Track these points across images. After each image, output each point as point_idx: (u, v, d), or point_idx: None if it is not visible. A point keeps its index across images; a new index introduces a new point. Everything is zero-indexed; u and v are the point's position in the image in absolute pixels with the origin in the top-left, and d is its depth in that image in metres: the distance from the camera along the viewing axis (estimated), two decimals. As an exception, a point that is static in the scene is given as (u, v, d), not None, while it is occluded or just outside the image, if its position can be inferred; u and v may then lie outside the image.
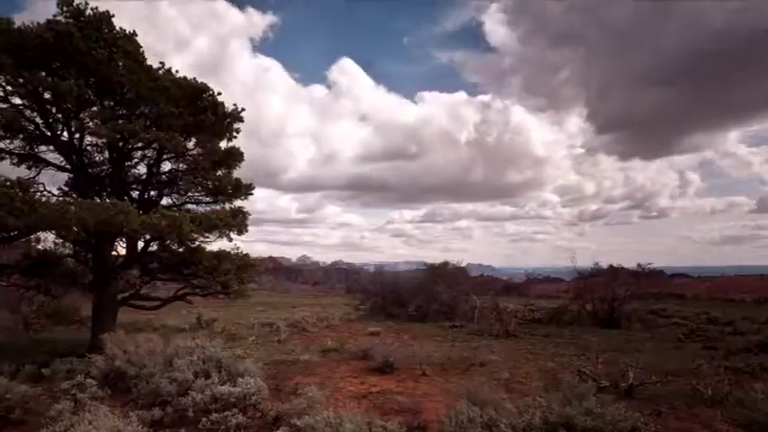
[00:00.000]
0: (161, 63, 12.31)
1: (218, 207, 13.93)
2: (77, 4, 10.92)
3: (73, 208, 9.86)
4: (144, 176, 13.76)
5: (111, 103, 12.26)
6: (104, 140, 12.21)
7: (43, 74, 11.05)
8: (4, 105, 11.11)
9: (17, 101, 11.29)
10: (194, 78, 12.62)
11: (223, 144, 13.86)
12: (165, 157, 13.33)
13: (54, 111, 11.65)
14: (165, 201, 14.17)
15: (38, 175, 12.37)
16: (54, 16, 10.81)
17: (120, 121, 11.45)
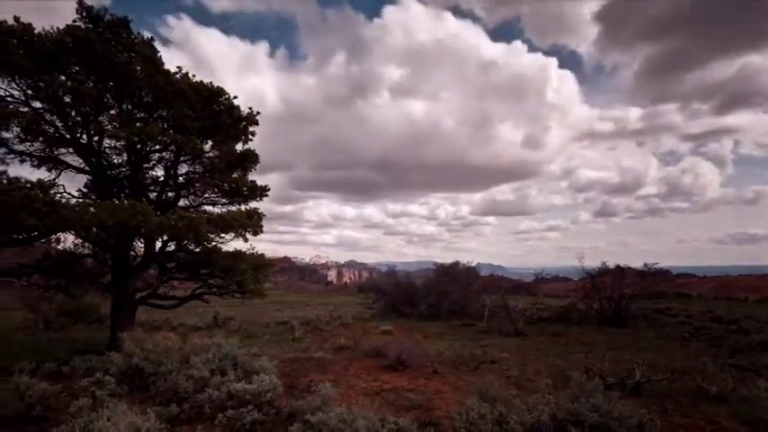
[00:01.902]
0: (178, 68, 12.25)
1: (233, 208, 13.89)
2: (96, 10, 10.88)
3: (92, 209, 9.81)
4: (161, 178, 13.74)
5: (130, 107, 12.23)
6: (123, 143, 12.17)
7: (63, 78, 11.04)
8: (25, 109, 11.07)
9: (37, 104, 11.26)
10: (210, 83, 12.56)
11: (238, 146, 13.79)
12: (182, 159, 13.24)
13: (73, 114, 11.59)
14: (182, 202, 14.16)
15: (58, 176, 12.31)
16: (73, 21, 10.79)
17: (139, 124, 11.41)
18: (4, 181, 9.75)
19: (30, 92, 11.04)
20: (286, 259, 76.12)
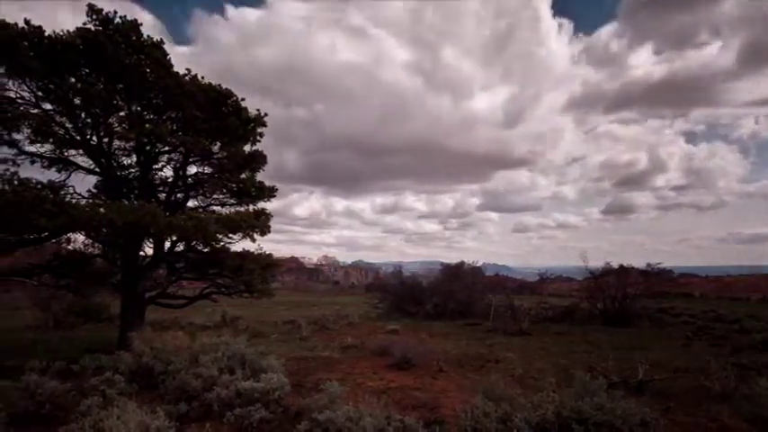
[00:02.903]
0: (187, 70, 12.24)
1: (241, 209, 13.87)
2: (106, 13, 10.86)
3: (102, 209, 9.79)
4: (170, 179, 13.72)
5: (139, 108, 12.22)
6: (132, 144, 12.16)
7: (73, 80, 11.02)
8: (36, 110, 11.06)
9: (48, 106, 11.24)
10: (219, 84, 12.54)
11: (246, 148, 13.77)
12: (191, 160, 13.24)
13: (83, 115, 11.56)
14: (190, 203, 14.16)
15: (68, 177, 12.26)
16: (84, 24, 10.77)
17: (148, 126, 11.39)
18: (15, 182, 9.72)
19: (40, 93, 11.02)
20: (294, 259, 76.33)
